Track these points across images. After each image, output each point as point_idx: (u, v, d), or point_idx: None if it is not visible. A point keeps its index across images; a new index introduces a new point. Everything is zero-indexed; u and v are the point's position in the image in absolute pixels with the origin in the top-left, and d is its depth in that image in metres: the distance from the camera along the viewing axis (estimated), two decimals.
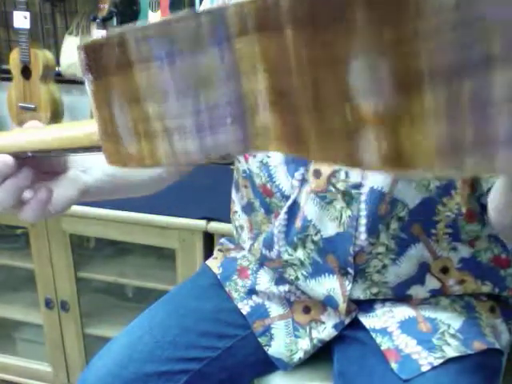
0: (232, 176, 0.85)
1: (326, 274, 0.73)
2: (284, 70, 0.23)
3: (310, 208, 0.70)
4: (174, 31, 0.26)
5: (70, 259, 1.38)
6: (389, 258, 0.70)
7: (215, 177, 1.31)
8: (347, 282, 0.72)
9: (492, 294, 0.76)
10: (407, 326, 0.72)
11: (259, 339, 0.81)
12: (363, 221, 0.67)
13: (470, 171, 0.20)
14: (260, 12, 0.24)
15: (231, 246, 0.91)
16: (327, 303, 0.76)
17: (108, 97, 0.30)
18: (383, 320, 0.74)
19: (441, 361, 0.67)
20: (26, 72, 1.50)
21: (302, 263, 0.74)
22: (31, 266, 1.42)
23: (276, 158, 0.71)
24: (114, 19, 1.44)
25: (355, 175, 0.66)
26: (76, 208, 1.13)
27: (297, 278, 0.76)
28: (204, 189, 1.31)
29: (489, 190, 0.59)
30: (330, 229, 0.70)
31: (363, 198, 0.66)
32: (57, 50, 1.57)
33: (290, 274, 0.76)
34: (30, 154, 0.42)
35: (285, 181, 0.71)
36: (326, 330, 0.78)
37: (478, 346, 0.69)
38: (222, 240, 0.95)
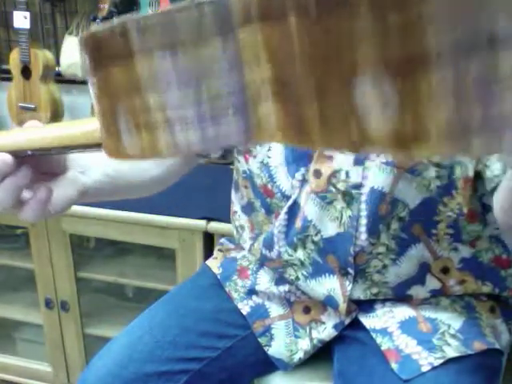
0: (232, 176, 0.85)
1: (327, 274, 0.73)
2: (287, 58, 0.23)
3: (310, 208, 0.69)
4: (177, 21, 0.26)
5: (70, 259, 1.38)
6: (389, 258, 0.70)
7: (215, 177, 1.31)
8: (347, 282, 0.72)
9: (492, 294, 0.76)
10: (407, 326, 0.72)
11: (259, 339, 0.81)
12: (364, 221, 0.67)
13: (477, 152, 0.20)
14: (263, 1, 0.23)
15: (231, 246, 0.91)
16: (327, 303, 0.76)
17: (109, 87, 0.30)
18: (383, 320, 0.74)
19: (441, 361, 0.67)
20: (26, 72, 1.50)
21: (302, 263, 0.74)
22: (31, 266, 1.42)
23: (276, 159, 0.71)
24: (114, 19, 1.44)
25: (355, 175, 0.66)
26: (76, 208, 1.13)
27: (297, 278, 0.76)
28: (204, 189, 1.31)
29: (493, 189, 0.59)
30: (331, 229, 0.70)
31: (364, 198, 0.66)
32: (57, 50, 1.56)
33: (291, 274, 0.76)
34: (29, 153, 0.42)
35: (285, 181, 0.71)
36: (326, 330, 0.78)
37: (478, 346, 0.69)
38: (222, 240, 0.95)
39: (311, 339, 0.78)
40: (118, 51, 0.28)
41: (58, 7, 1.56)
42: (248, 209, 0.81)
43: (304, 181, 0.70)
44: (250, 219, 0.81)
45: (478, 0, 0.18)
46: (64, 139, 0.40)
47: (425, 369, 0.66)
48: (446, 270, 0.71)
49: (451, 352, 0.68)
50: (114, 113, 0.30)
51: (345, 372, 0.75)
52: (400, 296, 0.74)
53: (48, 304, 1.44)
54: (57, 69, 1.54)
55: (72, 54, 1.50)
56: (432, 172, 0.63)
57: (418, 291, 0.73)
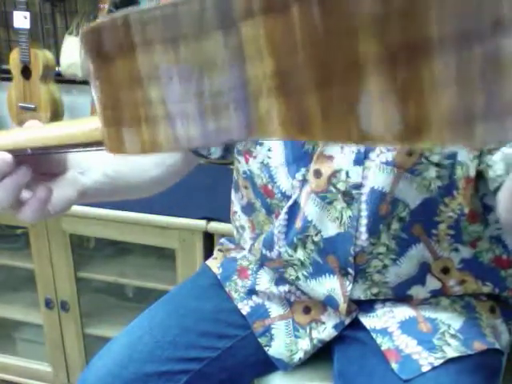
0: (232, 176, 0.84)
1: (327, 274, 0.73)
2: (290, 51, 0.23)
3: (310, 208, 0.69)
4: (178, 14, 0.26)
5: (70, 259, 1.38)
6: (389, 258, 0.70)
7: (215, 177, 1.31)
8: (348, 283, 0.72)
9: (492, 295, 0.76)
10: (407, 326, 0.72)
11: (259, 339, 0.81)
12: (364, 221, 0.67)
13: (480, 140, 0.20)
14: None
15: (231, 246, 0.91)
16: (327, 303, 0.76)
17: (110, 81, 0.30)
18: (383, 320, 0.74)
19: (441, 361, 0.67)
20: (26, 72, 1.50)
21: (302, 263, 0.74)
22: (31, 266, 1.42)
23: (277, 159, 0.71)
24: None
25: (356, 175, 0.66)
26: (76, 208, 1.13)
27: (297, 278, 0.76)
28: (204, 189, 1.31)
29: (496, 189, 0.59)
30: (331, 229, 0.70)
31: (364, 198, 0.66)
32: (57, 50, 1.56)
33: (291, 274, 0.76)
34: (29, 151, 0.42)
35: (285, 181, 0.71)
36: (326, 330, 0.77)
37: (478, 346, 0.69)
38: (222, 240, 0.95)
39: (311, 339, 0.78)
40: (120, 44, 0.28)
41: (58, 7, 1.56)
42: (248, 209, 0.81)
43: (304, 181, 0.70)
44: (250, 219, 0.81)
45: None
46: (64, 138, 0.40)
47: (425, 369, 0.66)
48: (446, 270, 0.71)
49: (451, 352, 0.68)
50: (115, 106, 0.30)
51: (345, 372, 0.75)
52: (400, 296, 0.74)
53: (48, 304, 1.44)
54: (57, 69, 1.54)
55: (72, 54, 1.50)
56: (433, 172, 0.63)
57: (418, 291, 0.73)
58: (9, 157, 0.42)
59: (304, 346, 0.79)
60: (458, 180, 0.63)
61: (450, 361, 0.67)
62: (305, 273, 0.75)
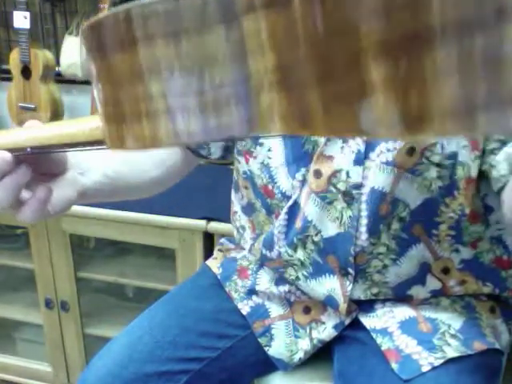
0: (232, 176, 0.84)
1: (327, 274, 0.73)
2: (291, 45, 0.23)
3: (310, 208, 0.69)
4: (180, 8, 0.26)
5: (70, 259, 1.38)
6: (389, 258, 0.70)
7: (215, 177, 1.31)
8: (348, 283, 0.72)
9: (492, 295, 0.76)
10: (407, 327, 0.72)
11: (259, 339, 0.81)
12: (364, 221, 0.67)
13: (482, 130, 0.20)
14: None
15: (231, 246, 0.91)
16: (327, 303, 0.76)
17: (111, 75, 0.30)
18: (383, 320, 0.74)
19: (441, 361, 0.67)
20: (26, 72, 1.50)
21: (302, 263, 0.74)
22: (31, 266, 1.42)
23: (277, 159, 0.71)
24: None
25: (356, 175, 0.66)
26: (76, 208, 1.13)
27: (297, 278, 0.76)
28: (204, 189, 1.31)
29: (500, 189, 0.59)
30: (331, 229, 0.69)
31: (364, 198, 0.66)
32: (57, 50, 1.56)
33: (291, 274, 0.76)
34: (28, 150, 0.41)
35: (285, 181, 0.71)
36: (326, 330, 0.77)
37: (478, 346, 0.69)
38: (222, 240, 0.95)
39: (311, 339, 0.78)
40: (121, 38, 0.28)
41: (58, 7, 1.56)
42: (248, 209, 0.81)
43: (304, 181, 0.70)
44: (250, 219, 0.81)
45: None
46: (64, 137, 0.40)
47: (425, 369, 0.66)
48: (446, 271, 0.71)
49: (451, 352, 0.68)
50: (116, 102, 0.30)
51: (345, 372, 0.75)
52: (400, 296, 0.74)
53: (48, 304, 1.44)
54: (57, 69, 1.54)
55: (72, 54, 1.50)
56: (433, 172, 0.63)
57: (418, 291, 0.73)
58: (8, 155, 0.42)
59: (304, 346, 0.79)
60: (459, 180, 0.63)
61: (450, 361, 0.67)
62: (305, 273, 0.75)
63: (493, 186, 0.61)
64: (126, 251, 1.53)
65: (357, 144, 0.65)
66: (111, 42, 0.29)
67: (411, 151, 0.63)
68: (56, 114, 1.54)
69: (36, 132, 0.41)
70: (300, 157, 0.69)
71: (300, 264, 0.74)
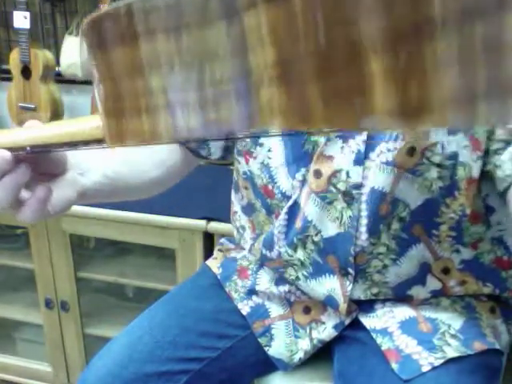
0: (232, 176, 0.84)
1: (327, 274, 0.73)
2: (292, 39, 0.23)
3: (310, 208, 0.69)
4: (182, 3, 0.26)
5: (70, 259, 1.38)
6: (389, 259, 0.70)
7: (215, 177, 1.31)
8: (348, 283, 0.72)
9: (492, 295, 0.76)
10: (408, 327, 0.72)
11: (259, 339, 0.81)
12: (364, 221, 0.67)
13: (484, 119, 0.20)
14: None
15: (231, 246, 0.91)
16: (328, 303, 0.76)
17: (112, 70, 0.30)
18: (383, 320, 0.74)
19: (441, 361, 0.67)
20: (26, 72, 1.50)
21: (302, 263, 0.74)
22: (31, 266, 1.42)
23: (277, 159, 0.71)
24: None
25: (356, 175, 0.66)
26: (76, 208, 1.13)
27: (297, 278, 0.76)
28: (204, 189, 1.31)
29: (506, 189, 0.59)
30: (331, 229, 0.69)
31: (364, 198, 0.66)
32: (57, 50, 1.56)
33: (291, 274, 0.76)
34: (28, 149, 0.41)
35: (285, 182, 0.71)
36: (326, 330, 0.77)
37: (478, 346, 0.69)
38: (222, 240, 0.95)
39: (311, 339, 0.78)
40: (123, 32, 0.28)
41: (58, 7, 1.56)
42: (248, 209, 0.81)
43: (304, 181, 0.70)
44: (250, 220, 0.81)
45: None
46: (64, 136, 0.40)
47: (425, 369, 0.66)
48: (446, 271, 0.71)
49: (451, 352, 0.68)
50: (116, 97, 0.30)
51: (345, 372, 0.75)
52: (400, 296, 0.74)
53: (48, 304, 1.44)
54: (57, 69, 1.54)
55: (72, 54, 1.50)
56: (434, 173, 0.63)
57: (418, 291, 0.73)
58: (8, 154, 0.42)
59: (304, 346, 0.79)
60: (460, 181, 0.63)
61: (450, 361, 0.67)
62: (305, 273, 0.75)
63: (498, 186, 0.61)
64: (125, 251, 1.53)
65: (357, 144, 0.65)
66: (112, 37, 0.29)
67: (411, 151, 0.63)
68: (56, 114, 1.54)
69: (36, 132, 0.41)
70: (300, 157, 0.69)
71: (300, 264, 0.74)
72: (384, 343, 0.71)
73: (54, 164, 0.48)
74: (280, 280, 0.80)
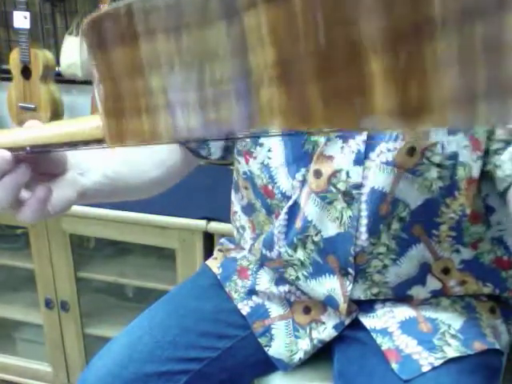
0: (232, 176, 0.84)
1: (327, 274, 0.73)
2: (292, 39, 0.23)
3: (310, 208, 0.69)
4: (182, 3, 0.26)
5: (70, 259, 1.38)
6: (389, 259, 0.70)
7: (215, 177, 1.31)
8: (348, 283, 0.72)
9: (492, 295, 0.76)
10: (408, 327, 0.72)
11: (259, 340, 0.81)
12: (364, 221, 0.67)
13: (484, 119, 0.20)
14: None
15: (231, 246, 0.91)
16: (328, 303, 0.76)
17: (112, 70, 0.30)
18: (383, 320, 0.74)
19: (441, 361, 0.67)
20: (26, 72, 1.50)
21: (302, 263, 0.74)
22: (31, 266, 1.42)
23: (277, 159, 0.71)
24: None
25: (356, 175, 0.66)
26: (76, 208, 1.13)
27: (297, 278, 0.76)
28: (204, 189, 1.31)
29: (506, 189, 0.59)
30: (331, 229, 0.69)
31: (364, 198, 0.66)
32: (57, 50, 1.56)
33: (291, 274, 0.76)
34: (28, 149, 0.41)
35: (285, 182, 0.71)
36: (326, 330, 0.77)
37: (478, 346, 0.69)
38: (222, 240, 0.95)
39: (311, 339, 0.78)
40: (123, 32, 0.28)
41: (58, 7, 1.56)
42: (248, 209, 0.81)
43: (304, 181, 0.70)
44: (250, 220, 0.81)
45: None
46: (64, 136, 0.40)
47: (425, 369, 0.66)
48: (446, 271, 0.71)
49: (451, 352, 0.68)
50: (116, 95, 0.30)
51: (345, 372, 0.75)
52: (400, 296, 0.74)
53: (48, 304, 1.44)
54: (57, 69, 1.54)
55: (72, 54, 1.50)
56: (434, 173, 0.63)
57: (418, 291, 0.73)
58: (8, 154, 0.42)
59: (304, 346, 0.79)
60: (460, 181, 0.63)
61: (450, 361, 0.67)
62: (305, 273, 0.75)
63: (498, 186, 0.61)
64: (126, 251, 1.53)
65: (357, 144, 0.65)
66: (112, 37, 0.29)
67: (411, 151, 0.63)
68: (56, 114, 1.54)
69: (36, 132, 0.41)
70: (300, 157, 0.69)
71: (300, 264, 0.74)
72: (384, 343, 0.71)
73: (54, 164, 0.48)
74: (280, 280, 0.80)
